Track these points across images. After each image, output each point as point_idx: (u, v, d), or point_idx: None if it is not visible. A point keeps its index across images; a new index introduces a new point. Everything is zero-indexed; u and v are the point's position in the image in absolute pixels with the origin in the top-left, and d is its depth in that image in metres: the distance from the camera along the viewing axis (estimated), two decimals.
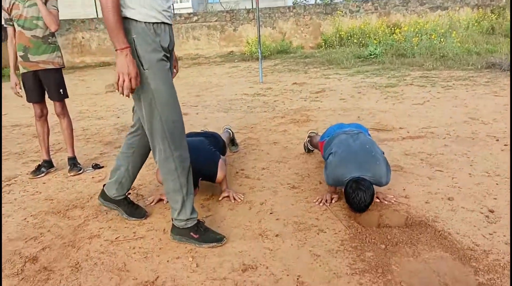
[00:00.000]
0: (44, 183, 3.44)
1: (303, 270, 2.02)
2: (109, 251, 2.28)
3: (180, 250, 2.25)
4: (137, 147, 2.45)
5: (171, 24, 2.17)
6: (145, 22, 2.00)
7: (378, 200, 2.69)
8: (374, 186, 2.55)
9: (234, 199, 2.83)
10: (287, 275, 1.99)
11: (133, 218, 2.58)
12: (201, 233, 2.28)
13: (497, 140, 3.87)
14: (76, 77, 12.33)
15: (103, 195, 2.59)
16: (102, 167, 3.72)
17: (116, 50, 1.92)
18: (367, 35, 12.85)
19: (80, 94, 8.99)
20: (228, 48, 14.95)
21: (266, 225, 2.46)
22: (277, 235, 2.33)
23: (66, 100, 3.66)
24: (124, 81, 1.93)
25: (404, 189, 2.90)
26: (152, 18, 2.03)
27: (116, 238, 2.38)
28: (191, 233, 2.27)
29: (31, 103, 3.55)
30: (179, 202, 2.24)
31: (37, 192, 3.24)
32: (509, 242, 2.16)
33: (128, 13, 1.98)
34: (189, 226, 2.27)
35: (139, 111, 2.14)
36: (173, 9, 16.55)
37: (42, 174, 3.59)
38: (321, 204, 2.68)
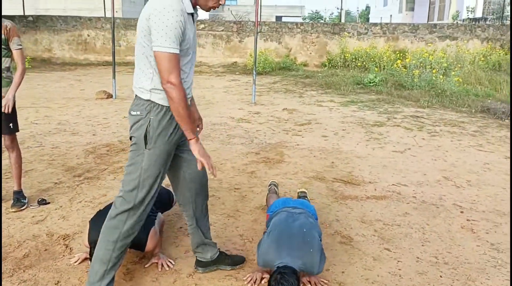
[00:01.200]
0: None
1: None
2: None
3: None
4: (195, 217, 2.57)
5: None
6: (166, 106, 2.14)
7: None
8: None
9: (162, 266, 2.71)
10: None
11: (237, 266, 2.71)
12: None
13: (462, 212, 3.71)
14: (75, 76, 12.32)
15: (199, 263, 2.66)
16: (48, 203, 3.62)
17: (190, 140, 2.14)
18: (372, 59, 12.68)
19: (70, 98, 8.95)
20: (232, 59, 14.87)
21: None
22: None
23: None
24: (208, 162, 2.17)
25: (343, 272, 2.76)
26: None
27: None
28: None
29: None
30: (99, 274, 2.20)
31: None
32: None
33: (153, 97, 2.14)
34: None
35: (126, 177, 2.23)
36: None
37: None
38: (248, 285, 2.55)
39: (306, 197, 3.58)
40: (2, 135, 3.44)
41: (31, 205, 3.57)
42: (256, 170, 4.72)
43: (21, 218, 3.37)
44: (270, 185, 3.68)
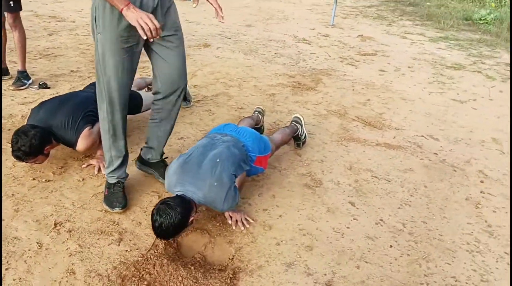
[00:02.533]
0: None
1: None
2: None
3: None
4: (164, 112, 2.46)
5: None
6: None
7: (229, 222, 2.31)
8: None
9: (99, 170, 2.63)
10: None
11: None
12: (110, 193, 2.35)
13: (482, 181, 3.06)
14: None
15: (139, 158, 2.67)
16: (48, 88, 3.70)
17: (121, 11, 1.86)
18: None
19: None
20: None
21: (88, 209, 2.26)
22: (70, 231, 2.12)
23: None
24: (146, 23, 1.82)
25: (280, 216, 2.45)
26: None
27: None
28: (105, 189, 2.39)
29: None
30: (107, 160, 2.36)
31: None
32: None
33: None
34: (108, 181, 2.39)
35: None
36: None
37: None
38: None
39: (299, 123, 3.17)
40: (5, 13, 3.48)
41: (31, 87, 3.67)
42: (278, 93, 4.34)
43: (14, 96, 3.50)
44: (254, 111, 3.33)
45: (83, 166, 2.67)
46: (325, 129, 3.63)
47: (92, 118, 2.59)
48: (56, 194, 2.39)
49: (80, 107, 2.59)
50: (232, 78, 4.63)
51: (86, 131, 2.52)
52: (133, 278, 1.87)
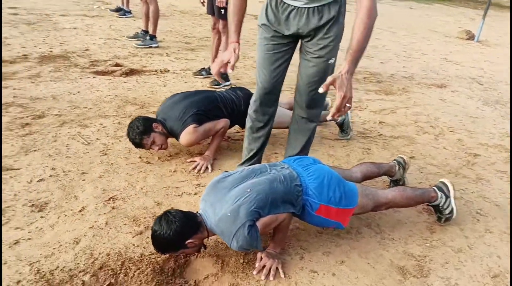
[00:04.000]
0: (174, 82, 4.14)
1: None
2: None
3: None
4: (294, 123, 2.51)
5: (300, 8, 2.02)
6: None
7: (256, 265, 1.93)
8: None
9: (195, 168, 2.64)
10: None
11: None
12: None
13: None
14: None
15: None
16: (230, 83, 4.06)
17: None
18: None
19: (432, 31, 8.45)
20: None
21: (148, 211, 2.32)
22: (114, 208, 2.20)
23: None
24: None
25: (333, 275, 1.88)
26: None
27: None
28: None
29: None
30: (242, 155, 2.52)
31: (158, 83, 4.02)
32: None
33: None
34: None
35: None
36: None
37: (201, 76, 4.24)
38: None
39: (443, 192, 2.36)
40: (218, 19, 3.91)
41: (224, 87, 4.00)
42: (485, 155, 3.38)
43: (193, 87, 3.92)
44: (395, 159, 2.65)
45: (188, 160, 2.73)
46: (505, 216, 2.58)
47: (201, 117, 2.63)
48: (140, 175, 2.52)
49: (195, 105, 2.66)
50: (438, 125, 3.85)
51: (190, 127, 2.58)
52: (108, 272, 1.79)
